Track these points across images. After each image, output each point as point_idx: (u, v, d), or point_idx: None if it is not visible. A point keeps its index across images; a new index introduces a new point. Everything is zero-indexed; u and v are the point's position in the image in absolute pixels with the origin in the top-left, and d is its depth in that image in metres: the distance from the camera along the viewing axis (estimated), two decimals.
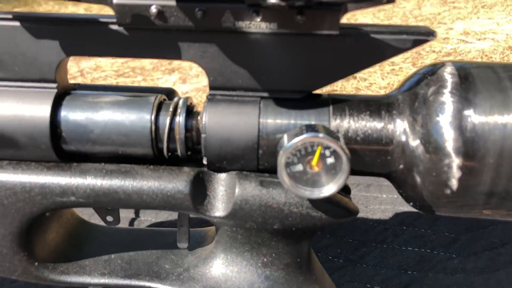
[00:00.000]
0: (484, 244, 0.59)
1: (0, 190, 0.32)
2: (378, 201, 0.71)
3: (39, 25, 0.30)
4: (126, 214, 0.63)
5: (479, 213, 0.31)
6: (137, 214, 0.69)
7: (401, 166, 0.30)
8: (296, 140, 0.28)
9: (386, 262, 0.60)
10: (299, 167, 0.29)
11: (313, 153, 0.28)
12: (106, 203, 0.32)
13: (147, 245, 0.38)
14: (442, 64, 0.30)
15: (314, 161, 0.28)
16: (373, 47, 0.29)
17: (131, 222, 0.63)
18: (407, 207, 0.68)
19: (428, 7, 2.04)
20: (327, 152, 0.28)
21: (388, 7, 1.99)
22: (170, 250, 0.37)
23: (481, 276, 0.55)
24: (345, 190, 0.35)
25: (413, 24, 1.81)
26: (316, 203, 0.31)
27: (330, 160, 0.29)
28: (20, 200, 0.32)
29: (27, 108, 0.31)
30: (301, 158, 0.29)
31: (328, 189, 0.29)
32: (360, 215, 0.69)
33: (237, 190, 0.31)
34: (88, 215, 0.52)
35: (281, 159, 0.28)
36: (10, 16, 0.30)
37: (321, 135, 0.28)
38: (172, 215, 0.72)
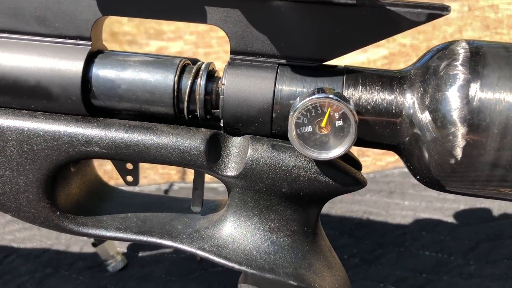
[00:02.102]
0: (504, 253, 0.58)
1: (32, 137, 0.34)
2: (400, 207, 0.71)
3: None
4: None
5: (496, 191, 0.30)
6: None
7: (409, 137, 0.31)
8: (307, 99, 0.29)
9: (401, 263, 0.60)
10: (309, 128, 0.30)
11: (323, 115, 0.30)
12: (127, 155, 0.34)
13: (163, 208, 0.39)
14: (457, 41, 0.31)
15: (323, 123, 0.30)
16: (388, 19, 0.31)
17: None
18: (429, 214, 0.68)
19: (469, 31, 2.02)
20: (336, 115, 0.30)
21: (428, 29, 1.98)
22: (184, 213, 0.39)
23: (497, 282, 0.54)
24: (355, 165, 0.36)
25: None
26: (324, 168, 0.32)
27: (339, 123, 0.30)
28: (49, 147, 0.34)
29: (62, 62, 0.34)
30: (311, 119, 0.30)
31: (335, 151, 0.30)
32: (380, 219, 0.69)
33: (249, 151, 0.33)
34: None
35: (292, 118, 0.30)
36: None
37: (331, 96, 0.29)
38: None
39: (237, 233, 0.35)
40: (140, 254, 0.66)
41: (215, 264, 0.35)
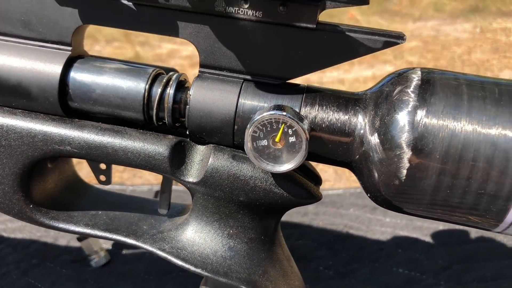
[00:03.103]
0: (475, 276, 0.59)
1: (10, 133, 0.36)
2: (380, 223, 0.72)
3: None
4: None
5: (465, 218, 0.31)
6: None
7: (359, 157, 0.32)
8: (263, 115, 0.31)
9: (374, 279, 0.61)
10: (264, 142, 0.32)
11: (277, 130, 0.31)
12: (96, 156, 0.36)
13: (134, 208, 0.41)
14: (412, 69, 0.33)
15: (277, 137, 0.31)
16: (347, 44, 0.32)
17: None
18: (407, 232, 0.69)
19: (478, 53, 2.03)
20: (290, 131, 0.31)
21: (437, 48, 1.98)
22: (152, 215, 0.40)
23: None
24: (316, 180, 0.37)
25: (459, 68, 1.80)
26: (280, 180, 0.34)
27: (292, 139, 0.31)
28: (25, 144, 0.36)
29: (43, 65, 0.36)
30: (266, 134, 0.32)
31: (287, 165, 0.32)
32: (359, 234, 0.70)
33: (210, 160, 0.34)
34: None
35: (248, 132, 0.32)
36: None
37: (285, 113, 0.31)
38: None
39: (197, 237, 0.37)
40: (124, 251, 0.68)
41: None
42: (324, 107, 0.33)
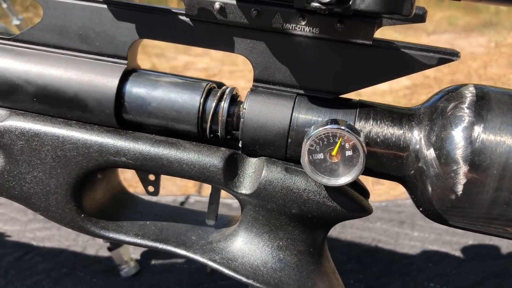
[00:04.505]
0: None
1: (65, 144, 0.37)
2: (409, 237, 0.72)
3: (121, 9, 0.36)
4: None
5: (502, 230, 0.32)
6: None
7: (414, 171, 0.33)
8: (321, 129, 0.32)
9: None
10: (320, 155, 0.32)
11: (334, 144, 0.32)
12: (151, 167, 0.36)
13: (180, 219, 0.42)
14: (465, 85, 0.33)
15: (334, 151, 0.32)
16: (401, 60, 0.33)
17: None
18: (437, 246, 0.69)
19: (494, 67, 2.03)
20: (347, 145, 0.32)
21: (453, 63, 1.98)
22: (199, 226, 0.41)
23: None
24: (364, 193, 0.38)
25: (476, 82, 1.80)
26: (333, 194, 0.34)
27: (349, 153, 0.32)
28: (80, 154, 0.37)
29: (100, 78, 0.37)
30: (323, 147, 0.32)
31: (343, 179, 0.32)
32: (388, 247, 0.70)
33: (263, 172, 0.35)
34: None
35: (305, 145, 0.32)
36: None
37: (343, 127, 0.31)
38: None
39: (247, 248, 0.37)
40: (153, 262, 0.68)
41: (224, 277, 0.37)
42: (378, 121, 0.34)
